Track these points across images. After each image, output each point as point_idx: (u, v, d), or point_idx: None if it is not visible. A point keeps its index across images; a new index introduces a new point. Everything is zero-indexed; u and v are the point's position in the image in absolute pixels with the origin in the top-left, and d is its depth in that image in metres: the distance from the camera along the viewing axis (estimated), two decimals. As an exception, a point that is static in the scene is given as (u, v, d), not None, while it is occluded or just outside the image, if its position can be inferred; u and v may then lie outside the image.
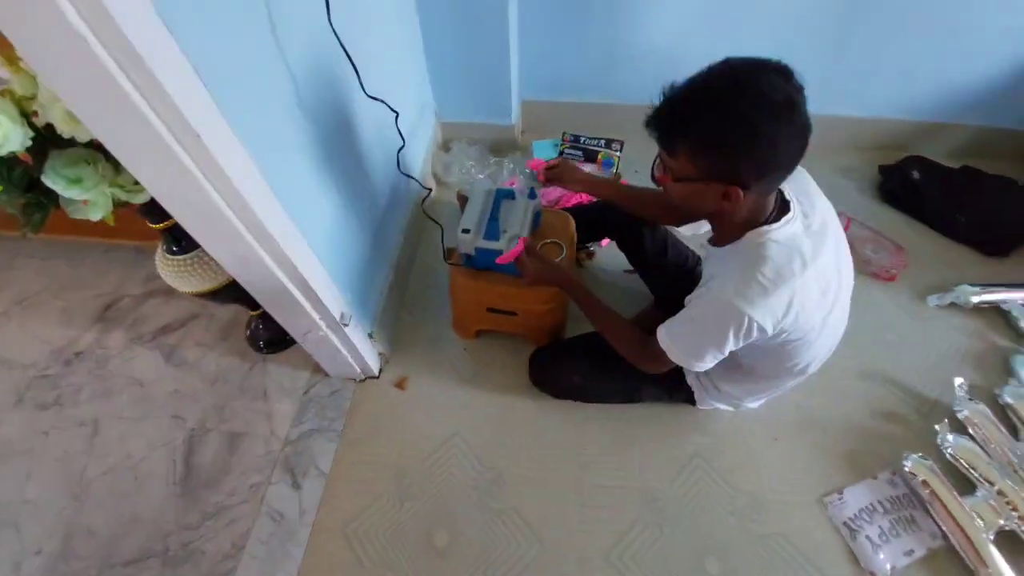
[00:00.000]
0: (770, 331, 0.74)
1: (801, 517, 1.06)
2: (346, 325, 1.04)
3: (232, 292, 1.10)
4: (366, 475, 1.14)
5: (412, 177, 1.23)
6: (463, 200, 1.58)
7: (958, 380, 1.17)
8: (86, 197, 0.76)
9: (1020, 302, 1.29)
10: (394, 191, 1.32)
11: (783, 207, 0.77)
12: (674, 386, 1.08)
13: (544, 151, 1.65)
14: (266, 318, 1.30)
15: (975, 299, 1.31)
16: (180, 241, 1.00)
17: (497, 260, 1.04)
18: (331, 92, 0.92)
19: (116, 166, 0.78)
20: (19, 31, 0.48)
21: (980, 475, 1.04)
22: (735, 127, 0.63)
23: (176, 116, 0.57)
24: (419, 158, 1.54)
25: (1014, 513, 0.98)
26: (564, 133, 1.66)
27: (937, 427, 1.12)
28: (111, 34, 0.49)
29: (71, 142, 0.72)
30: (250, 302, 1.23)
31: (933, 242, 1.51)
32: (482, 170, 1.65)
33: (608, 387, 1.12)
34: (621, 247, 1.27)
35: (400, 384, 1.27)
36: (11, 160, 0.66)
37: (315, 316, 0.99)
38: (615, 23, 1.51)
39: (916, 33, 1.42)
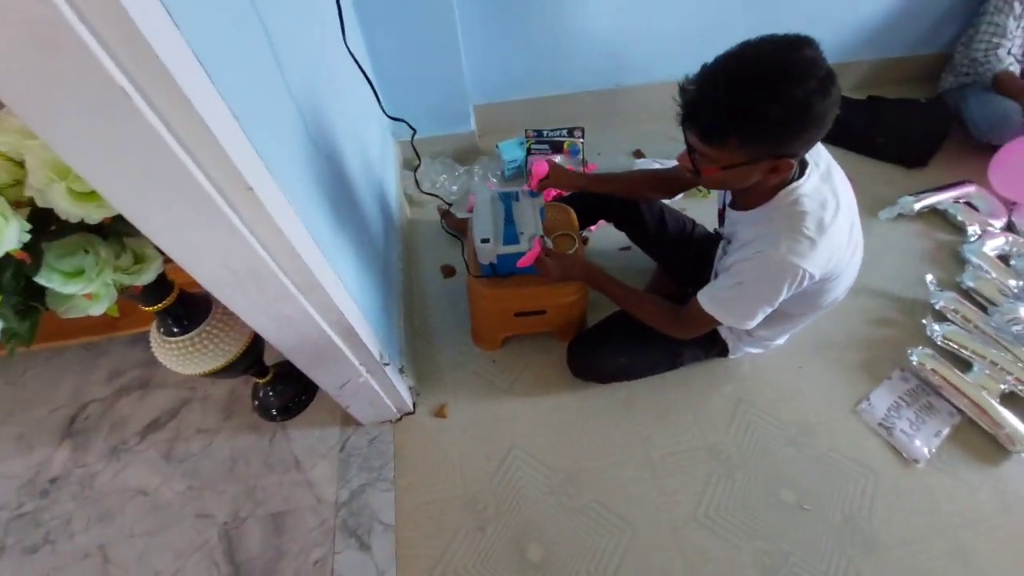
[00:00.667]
0: (819, 277, 0.80)
1: (843, 429, 1.16)
2: (387, 364, 0.98)
3: (242, 363, 1.01)
4: (435, 514, 1.08)
5: (434, 195, 1.19)
6: (445, 214, 1.55)
7: (928, 277, 1.34)
8: (89, 290, 0.65)
9: (951, 200, 1.50)
10: (386, 217, 1.27)
11: (801, 161, 0.82)
12: (710, 343, 1.14)
13: (511, 151, 1.65)
14: (277, 383, 1.20)
15: (917, 206, 1.50)
16: (182, 320, 0.89)
17: (518, 264, 1.03)
18: (334, 121, 0.86)
19: (118, 247, 0.67)
20: (30, 95, 0.39)
21: (971, 352, 1.19)
22: (793, 108, 0.63)
23: (227, 169, 0.51)
24: (391, 182, 1.48)
25: (1009, 377, 1.14)
26: (526, 130, 1.67)
27: (923, 321, 1.28)
28: (157, 83, 0.42)
29: (63, 230, 0.62)
30: (260, 370, 1.13)
31: (865, 165, 1.70)
32: (453, 182, 1.62)
33: (653, 359, 1.15)
34: (620, 227, 1.31)
35: (440, 413, 1.22)
36: (2, 260, 0.55)
37: (356, 363, 0.92)
38: (553, 15, 1.55)
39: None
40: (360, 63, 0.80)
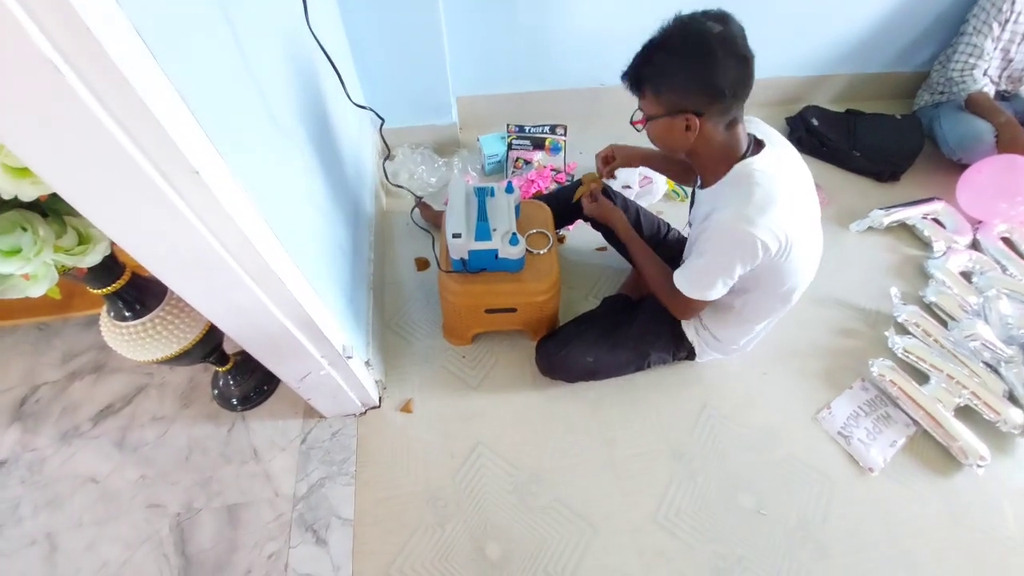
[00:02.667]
0: (773, 248, 0.82)
1: (804, 436, 1.18)
2: (350, 358, 0.96)
3: (200, 350, 0.98)
4: (395, 510, 1.07)
5: (401, 187, 1.17)
6: (423, 206, 1.53)
7: (893, 290, 1.37)
8: (27, 270, 0.62)
9: (920, 216, 1.53)
10: (357, 207, 1.24)
11: (758, 144, 0.87)
12: (677, 345, 1.15)
13: (492, 145, 1.63)
14: (238, 372, 1.17)
15: (886, 220, 1.53)
16: (134, 304, 0.86)
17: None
18: (306, 106, 0.83)
19: (59, 227, 0.64)
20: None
21: (929, 365, 1.22)
22: (681, 60, 0.75)
23: (170, 152, 0.48)
24: (367, 172, 1.45)
25: (965, 391, 1.17)
26: (508, 124, 1.65)
27: (886, 333, 1.30)
28: (90, 58, 0.40)
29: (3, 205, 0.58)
30: (220, 358, 1.10)
31: (840, 177, 1.73)
32: (432, 173, 1.60)
33: (620, 360, 1.15)
34: (596, 227, 1.30)
35: (405, 408, 1.20)
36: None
37: (317, 355, 0.90)
38: (539, 10, 1.53)
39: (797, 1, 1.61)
40: (327, 48, 0.77)
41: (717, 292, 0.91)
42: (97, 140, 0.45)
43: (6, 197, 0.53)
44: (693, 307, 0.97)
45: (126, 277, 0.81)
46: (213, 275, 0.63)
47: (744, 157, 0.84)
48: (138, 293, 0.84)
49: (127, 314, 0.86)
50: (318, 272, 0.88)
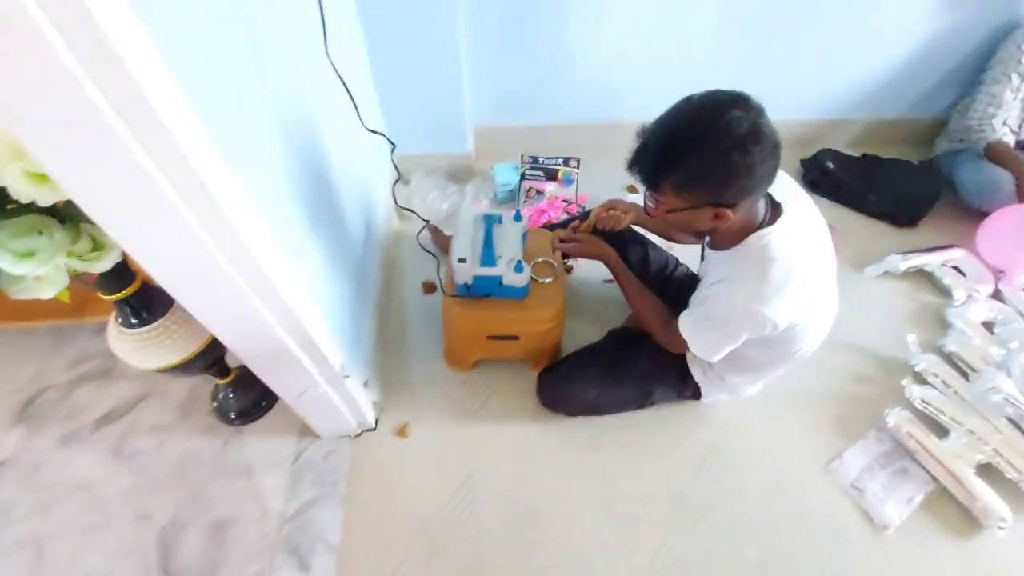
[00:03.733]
0: (782, 327, 0.79)
1: (814, 487, 1.12)
2: (347, 377, 0.96)
3: (202, 361, 0.99)
4: (383, 538, 1.04)
5: (411, 210, 1.19)
6: (434, 231, 1.55)
7: (910, 337, 1.32)
8: (39, 273, 0.64)
9: (939, 263, 1.50)
10: (369, 228, 1.26)
11: (775, 208, 0.83)
12: (682, 384, 1.12)
13: (505, 174, 1.66)
14: (239, 386, 1.17)
15: (903, 265, 1.49)
16: (141, 312, 0.87)
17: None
18: (318, 128, 0.86)
19: (74, 232, 0.66)
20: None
21: (949, 418, 1.17)
22: (711, 163, 0.69)
23: (179, 163, 0.50)
24: (381, 194, 1.48)
25: (987, 447, 1.11)
26: (523, 155, 1.68)
27: (903, 382, 1.25)
28: (114, 79, 0.42)
29: (15, 210, 0.61)
30: (221, 370, 1.11)
31: (855, 221, 1.71)
32: (444, 199, 1.63)
33: (623, 395, 1.13)
34: (604, 261, 1.30)
35: (401, 432, 1.19)
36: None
37: (314, 372, 0.90)
38: (558, 45, 1.57)
39: (816, 44, 1.63)
40: (345, 74, 0.80)
41: (720, 356, 0.89)
42: (114, 153, 0.46)
43: (24, 201, 0.55)
44: (681, 343, 0.93)
45: (136, 285, 0.83)
46: (215, 287, 0.64)
47: (762, 225, 0.81)
48: (146, 301, 0.86)
49: (134, 321, 0.87)
50: (321, 290, 0.89)
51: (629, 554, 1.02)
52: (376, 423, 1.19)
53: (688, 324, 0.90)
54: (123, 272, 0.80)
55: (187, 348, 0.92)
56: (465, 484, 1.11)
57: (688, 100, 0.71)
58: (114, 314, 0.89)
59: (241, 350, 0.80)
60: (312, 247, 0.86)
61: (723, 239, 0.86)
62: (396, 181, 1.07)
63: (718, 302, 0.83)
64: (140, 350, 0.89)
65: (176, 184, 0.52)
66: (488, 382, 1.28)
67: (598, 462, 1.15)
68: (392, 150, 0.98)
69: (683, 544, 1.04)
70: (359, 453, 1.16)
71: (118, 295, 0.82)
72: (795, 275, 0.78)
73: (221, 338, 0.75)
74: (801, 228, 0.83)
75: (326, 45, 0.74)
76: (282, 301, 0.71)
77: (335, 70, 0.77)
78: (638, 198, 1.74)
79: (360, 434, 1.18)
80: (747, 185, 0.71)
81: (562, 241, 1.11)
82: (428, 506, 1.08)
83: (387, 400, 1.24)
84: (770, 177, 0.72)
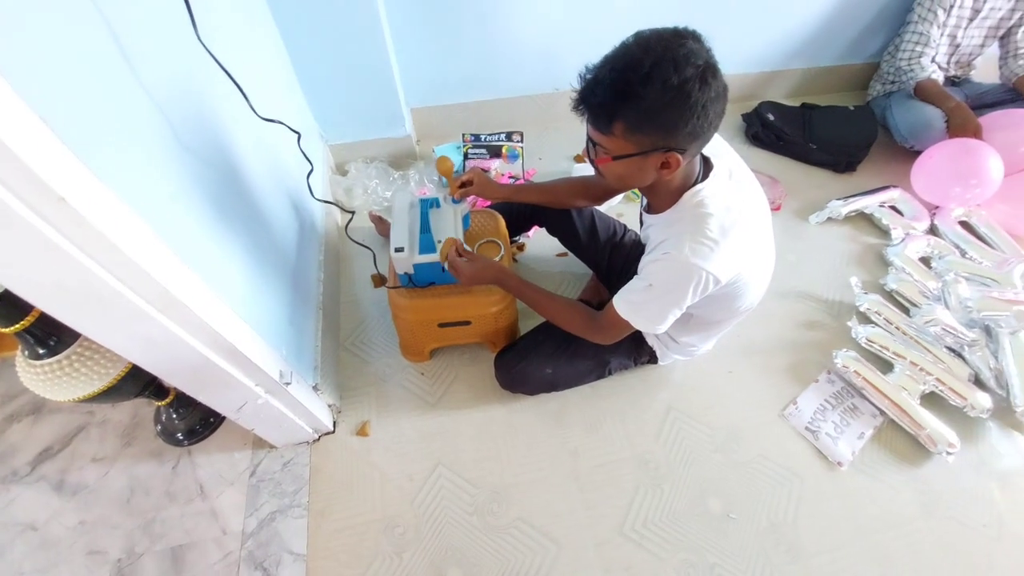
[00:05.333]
0: (724, 281, 0.79)
1: (771, 434, 1.15)
2: (288, 384, 0.92)
3: (131, 385, 0.93)
4: (350, 541, 1.02)
5: (330, 202, 1.13)
6: (377, 220, 1.49)
7: (853, 279, 1.36)
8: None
9: (877, 204, 1.54)
10: (301, 225, 1.20)
11: (706, 164, 0.82)
12: (637, 351, 1.12)
13: (447, 155, 1.61)
14: (180, 404, 1.12)
15: (844, 210, 1.53)
16: (46, 341, 0.81)
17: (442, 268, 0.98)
18: (213, 121, 0.79)
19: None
20: None
21: (893, 353, 1.21)
22: (668, 96, 0.64)
23: (27, 178, 0.45)
24: (316, 188, 1.41)
25: (929, 377, 1.16)
26: (464, 134, 1.63)
27: (849, 323, 1.29)
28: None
29: None
30: (157, 391, 1.05)
31: (797, 171, 1.73)
32: (387, 187, 1.57)
33: (580, 369, 1.12)
34: (553, 233, 1.28)
35: (361, 431, 1.16)
36: None
37: (250, 384, 0.85)
38: (487, 19, 1.51)
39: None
40: (228, 63, 0.73)
41: (667, 325, 0.85)
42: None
43: None
44: (618, 330, 0.90)
45: (35, 313, 0.76)
46: (107, 307, 0.59)
47: (696, 182, 0.79)
48: (50, 329, 0.79)
49: (41, 352, 0.81)
50: (244, 297, 0.83)
51: (598, 520, 1.04)
52: (334, 426, 1.16)
53: (626, 304, 0.86)
54: (14, 301, 0.73)
55: (107, 374, 0.86)
56: (431, 476, 1.09)
57: (639, 35, 0.66)
58: (20, 347, 0.82)
59: (161, 370, 0.75)
60: (223, 253, 0.80)
61: (661, 199, 0.84)
62: (310, 173, 1.01)
63: (656, 266, 0.81)
64: (54, 382, 0.82)
65: (26, 198, 0.46)
66: (448, 369, 1.26)
67: (561, 436, 1.15)
68: (299, 139, 0.92)
69: (649, 504, 1.06)
70: (319, 458, 1.12)
71: (16, 327, 0.75)
72: (732, 228, 0.77)
73: (131, 359, 0.70)
74: (732, 181, 0.82)
75: (195, 29, 0.67)
76: (192, 314, 0.66)
77: (212, 56, 0.70)
78: (586, 167, 1.73)
79: (318, 439, 1.14)
80: (700, 127, 0.67)
81: (451, 263, 0.97)
82: (394, 503, 1.06)
83: (344, 401, 1.20)
84: (717, 122, 0.69)
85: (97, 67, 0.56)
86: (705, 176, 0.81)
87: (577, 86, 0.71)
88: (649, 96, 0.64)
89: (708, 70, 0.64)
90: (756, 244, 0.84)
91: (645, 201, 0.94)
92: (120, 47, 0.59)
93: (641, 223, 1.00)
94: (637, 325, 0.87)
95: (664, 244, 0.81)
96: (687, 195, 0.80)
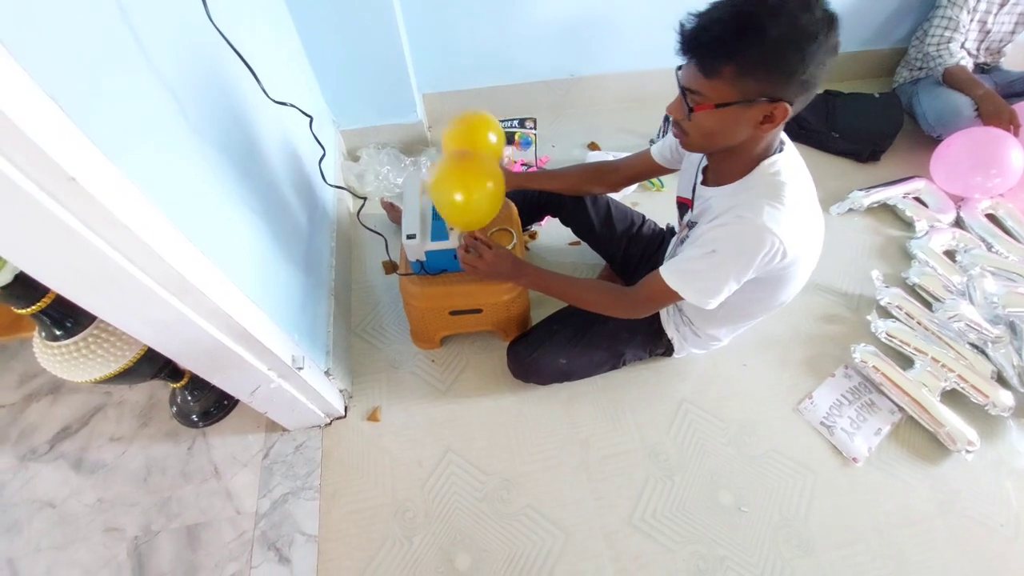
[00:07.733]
0: (790, 257, 0.74)
1: (785, 428, 1.14)
2: (300, 368, 0.92)
3: (147, 367, 0.94)
4: (361, 523, 1.03)
5: (342, 187, 1.12)
6: (389, 207, 1.49)
7: (874, 272, 1.32)
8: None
9: (901, 195, 1.49)
10: (313, 210, 1.20)
11: (781, 141, 0.78)
12: (653, 342, 1.10)
13: (459, 142, 1.59)
14: (195, 387, 1.13)
15: (866, 201, 1.48)
16: (63, 322, 0.81)
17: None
18: (225, 103, 0.79)
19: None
20: None
21: (914, 349, 1.18)
22: (794, 37, 0.60)
23: (38, 158, 0.44)
24: (329, 173, 1.40)
25: (951, 374, 1.13)
26: (475, 120, 1.60)
27: (868, 317, 1.26)
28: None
29: None
30: (172, 373, 1.06)
31: (819, 160, 1.69)
32: (399, 174, 1.55)
33: (594, 360, 1.11)
34: (566, 223, 1.26)
35: (372, 416, 1.16)
36: None
37: (263, 368, 0.86)
38: (502, 3, 1.48)
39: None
40: (241, 45, 0.72)
41: (720, 299, 0.80)
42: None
43: None
44: (657, 303, 0.88)
45: (51, 295, 0.77)
46: (122, 290, 0.59)
47: (772, 153, 0.76)
48: (66, 311, 0.80)
49: (58, 333, 0.81)
50: (256, 282, 0.83)
51: (608, 510, 1.03)
52: (346, 410, 1.17)
53: (677, 273, 0.81)
54: (31, 283, 0.73)
55: (123, 356, 0.86)
56: (441, 462, 1.10)
57: None
58: (37, 328, 0.83)
59: (176, 353, 0.76)
60: (235, 237, 0.80)
61: (732, 167, 0.78)
62: (322, 158, 1.00)
63: (725, 231, 0.75)
64: (71, 363, 0.83)
65: (41, 181, 0.46)
66: (459, 357, 1.26)
67: (572, 425, 1.14)
68: (311, 123, 0.91)
69: (660, 496, 1.05)
70: (331, 442, 1.13)
71: (33, 308, 0.76)
72: (802, 201, 0.74)
73: (146, 341, 0.71)
74: (800, 159, 0.80)
75: (207, 10, 0.66)
76: (206, 298, 0.66)
77: (224, 37, 0.69)
78: (601, 155, 1.70)
79: (330, 423, 1.15)
80: (811, 80, 0.63)
81: (463, 259, 0.97)
82: (404, 487, 1.07)
83: (356, 386, 1.21)
84: (823, 81, 0.65)
85: (107, 46, 0.55)
86: (781, 150, 0.77)
87: (678, 32, 0.66)
88: (773, 34, 0.60)
89: (830, 20, 0.61)
90: (816, 228, 0.81)
91: (700, 176, 0.88)
92: (131, 26, 0.58)
93: (681, 211, 0.96)
94: (687, 296, 0.81)
95: (735, 208, 0.75)
96: (764, 164, 0.75)
